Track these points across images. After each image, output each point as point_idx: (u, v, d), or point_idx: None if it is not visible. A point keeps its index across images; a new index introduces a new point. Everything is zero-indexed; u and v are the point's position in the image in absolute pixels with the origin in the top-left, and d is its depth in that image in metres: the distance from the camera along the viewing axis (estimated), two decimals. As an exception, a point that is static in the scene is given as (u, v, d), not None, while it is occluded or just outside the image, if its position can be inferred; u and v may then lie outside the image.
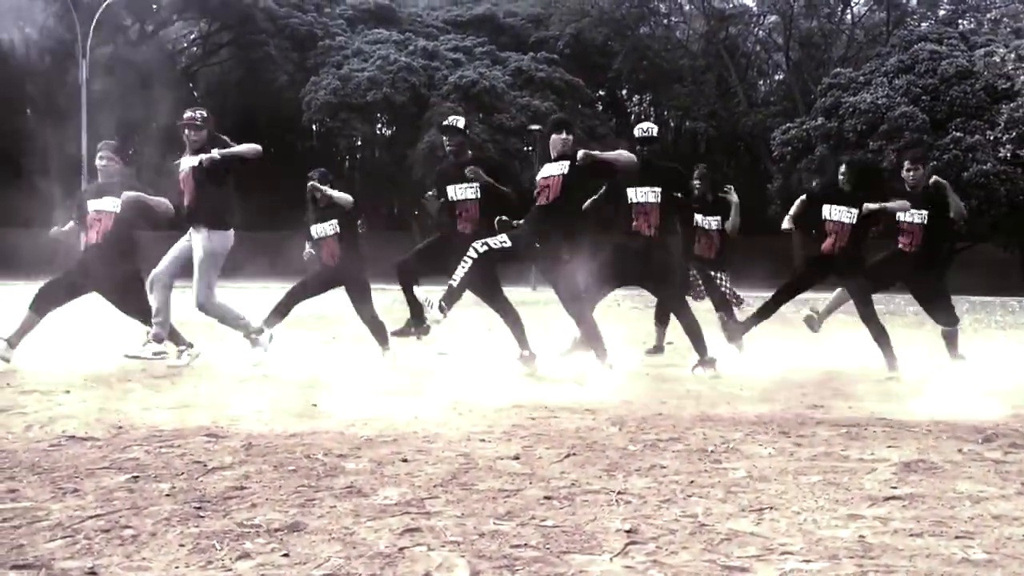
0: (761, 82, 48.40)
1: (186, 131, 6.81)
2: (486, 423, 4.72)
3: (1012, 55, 30.05)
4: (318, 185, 7.34)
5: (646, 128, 7.14)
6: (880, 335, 7.06)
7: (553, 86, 39.82)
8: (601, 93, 48.82)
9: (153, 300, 6.93)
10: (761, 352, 7.72)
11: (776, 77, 47.46)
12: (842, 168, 7.21)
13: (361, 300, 7.57)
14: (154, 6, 40.64)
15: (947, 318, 7.55)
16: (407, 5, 46.02)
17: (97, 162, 7.27)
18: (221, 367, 6.95)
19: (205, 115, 6.94)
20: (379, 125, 43.78)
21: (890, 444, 4.31)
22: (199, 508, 3.01)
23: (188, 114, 6.92)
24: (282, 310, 7.52)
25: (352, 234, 7.57)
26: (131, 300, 7.17)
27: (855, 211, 6.99)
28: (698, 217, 8.07)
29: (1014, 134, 29.87)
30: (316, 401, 5.36)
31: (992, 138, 30.54)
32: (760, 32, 45.45)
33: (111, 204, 7.07)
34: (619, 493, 3.29)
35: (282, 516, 2.93)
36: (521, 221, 6.73)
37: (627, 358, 7.51)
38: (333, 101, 37.42)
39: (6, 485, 3.29)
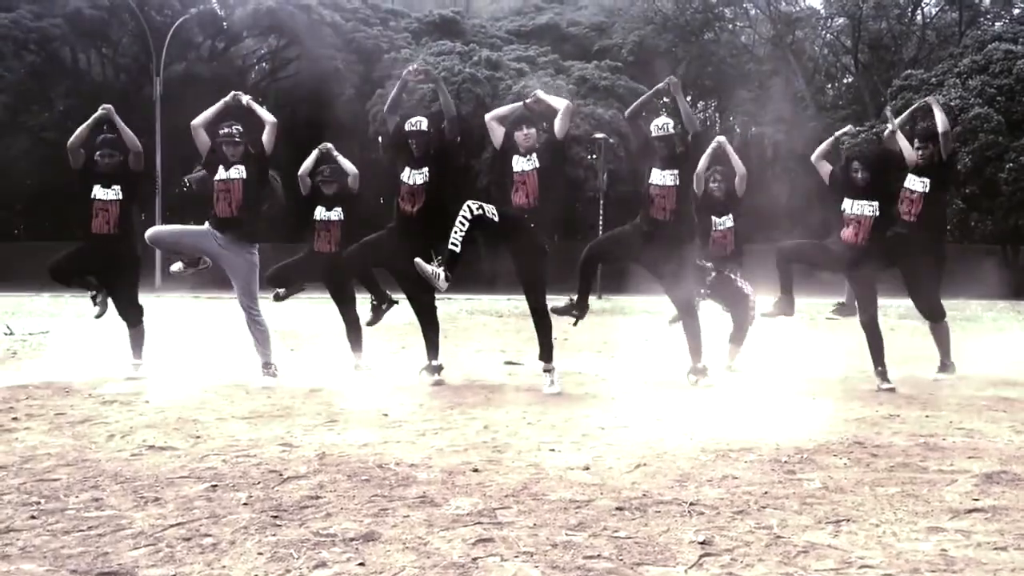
0: (829, 86, 47.56)
1: (223, 147, 6.70)
2: (555, 433, 4.72)
3: (1091, 53, 29.15)
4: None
5: (661, 124, 7.14)
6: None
7: (617, 94, 39.65)
8: (666, 100, 48.45)
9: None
10: (831, 357, 7.59)
11: (845, 80, 46.63)
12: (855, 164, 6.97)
13: (343, 295, 7.60)
14: (224, 24, 41.55)
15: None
16: (471, 16, 46.31)
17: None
18: (292, 377, 7.06)
19: (241, 129, 6.81)
20: (444, 136, 44.06)
21: (970, 455, 4.20)
22: (276, 517, 3.07)
23: (225, 129, 6.76)
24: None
25: (354, 223, 7.55)
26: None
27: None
28: (713, 218, 7.54)
29: (1093, 135, 28.99)
30: (387, 411, 5.41)
31: (1071, 139, 29.66)
32: (828, 35, 44.71)
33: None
34: (691, 504, 3.27)
35: (357, 525, 2.97)
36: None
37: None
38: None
39: (91, 494, 3.38)
